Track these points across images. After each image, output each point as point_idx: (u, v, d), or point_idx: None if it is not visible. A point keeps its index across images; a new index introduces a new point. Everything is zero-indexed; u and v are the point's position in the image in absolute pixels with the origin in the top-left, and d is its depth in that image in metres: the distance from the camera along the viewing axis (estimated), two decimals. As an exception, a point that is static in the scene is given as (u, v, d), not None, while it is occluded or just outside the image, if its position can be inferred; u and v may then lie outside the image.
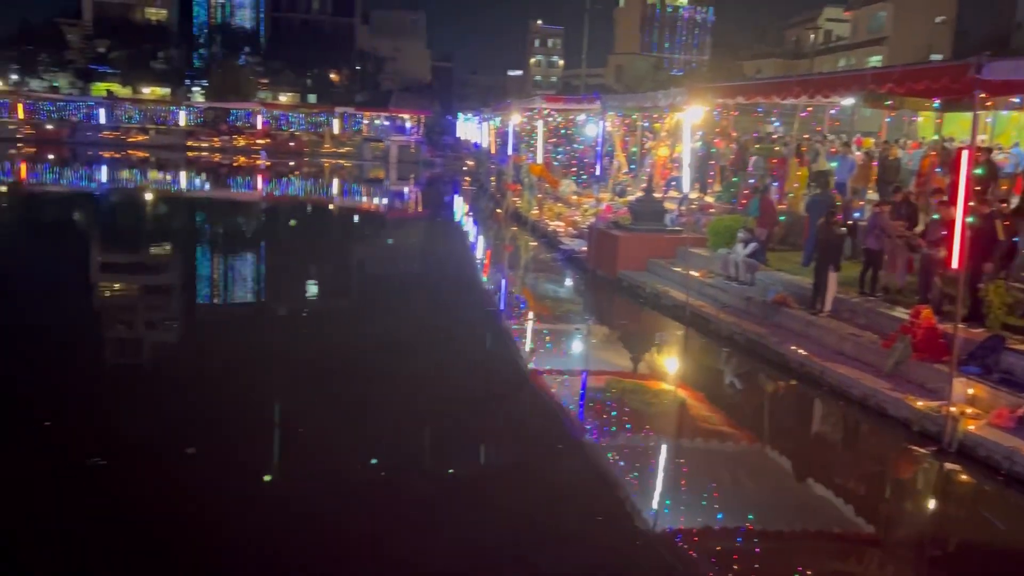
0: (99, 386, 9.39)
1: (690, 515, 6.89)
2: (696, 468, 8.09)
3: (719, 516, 6.85)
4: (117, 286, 16.27)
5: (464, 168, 54.00)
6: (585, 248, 18.66)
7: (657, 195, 18.64)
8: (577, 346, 12.94)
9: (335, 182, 44.68)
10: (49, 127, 58.37)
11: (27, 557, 5.65)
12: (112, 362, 10.89)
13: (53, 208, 28.92)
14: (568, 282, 18.01)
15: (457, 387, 9.98)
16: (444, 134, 70.51)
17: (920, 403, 8.77)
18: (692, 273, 14.21)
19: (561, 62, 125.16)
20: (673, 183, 21.60)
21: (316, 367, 10.45)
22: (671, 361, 12.38)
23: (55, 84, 75.67)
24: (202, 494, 6.67)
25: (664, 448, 8.64)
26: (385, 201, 37.04)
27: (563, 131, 30.17)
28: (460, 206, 36.80)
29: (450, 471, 7.46)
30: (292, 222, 28.43)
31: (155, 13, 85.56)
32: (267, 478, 7.20)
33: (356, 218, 30.98)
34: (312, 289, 16.85)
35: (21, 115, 59.37)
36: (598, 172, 22.02)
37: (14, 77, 76.63)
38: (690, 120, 15.63)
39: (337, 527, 6.32)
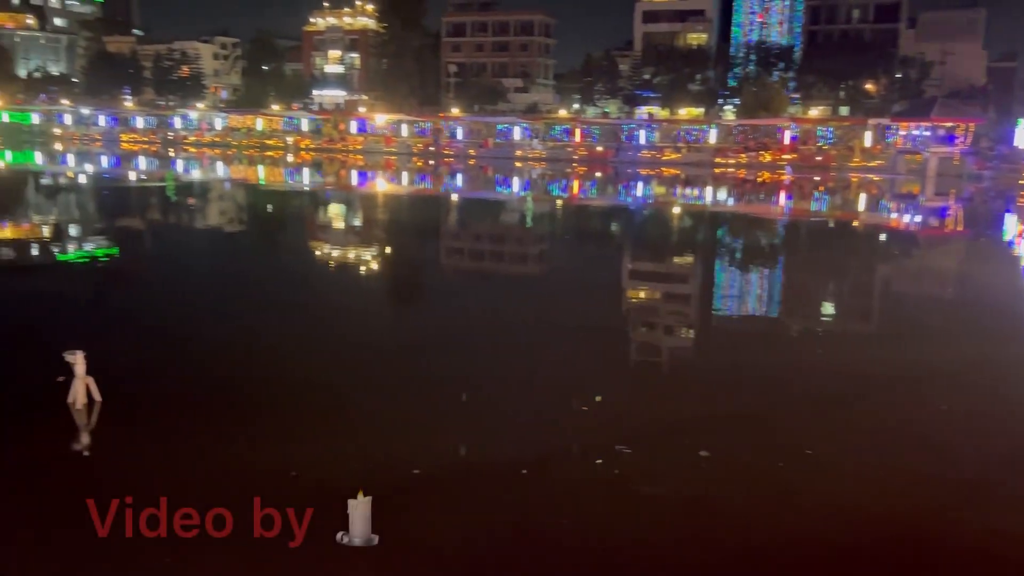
0: (619, 379, 10.50)
1: None
2: None
3: None
4: (642, 293, 17.84)
5: (1021, 182, 46.63)
6: None
7: None
8: None
9: (861, 197, 42.41)
10: (599, 148, 66.64)
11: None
12: (635, 358, 12.03)
13: (597, 219, 32.99)
14: None
15: (971, 436, 8.75)
16: (998, 143, 62.09)
17: None
18: None
19: None
20: None
21: (824, 391, 10.13)
22: None
23: (606, 110, 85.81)
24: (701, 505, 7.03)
25: None
26: (918, 218, 33.90)
27: None
28: (1013, 226, 31.88)
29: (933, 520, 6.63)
30: (808, 239, 27.83)
31: (696, 38, 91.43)
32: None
33: (882, 236, 28.96)
34: (828, 308, 16.27)
35: (578, 138, 68.96)
36: None
37: (575, 106, 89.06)
38: None
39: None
